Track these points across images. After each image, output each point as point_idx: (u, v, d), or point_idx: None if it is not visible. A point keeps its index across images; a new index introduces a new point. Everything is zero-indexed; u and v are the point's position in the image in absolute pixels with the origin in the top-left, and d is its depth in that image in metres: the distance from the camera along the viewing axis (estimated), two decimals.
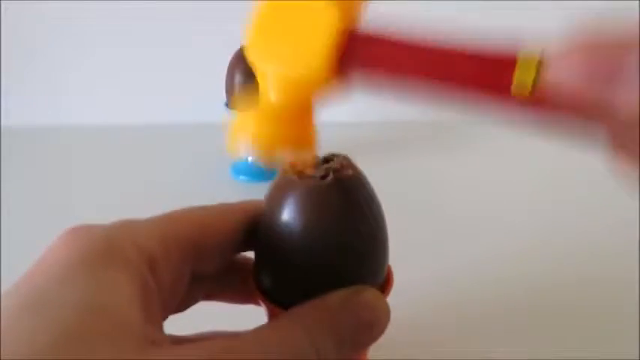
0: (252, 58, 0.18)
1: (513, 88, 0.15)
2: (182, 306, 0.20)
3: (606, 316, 0.30)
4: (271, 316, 0.20)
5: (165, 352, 0.14)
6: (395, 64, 0.16)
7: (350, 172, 0.18)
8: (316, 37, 0.17)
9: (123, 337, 0.14)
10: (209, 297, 0.21)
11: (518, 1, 0.60)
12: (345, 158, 0.19)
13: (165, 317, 0.18)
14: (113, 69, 0.64)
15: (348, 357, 0.17)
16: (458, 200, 0.45)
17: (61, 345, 0.13)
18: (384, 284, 0.20)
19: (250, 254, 0.21)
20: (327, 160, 0.19)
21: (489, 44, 0.15)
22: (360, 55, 0.17)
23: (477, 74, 0.15)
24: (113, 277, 0.15)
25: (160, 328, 0.16)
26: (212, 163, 0.52)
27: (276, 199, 0.19)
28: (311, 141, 0.20)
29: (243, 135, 0.19)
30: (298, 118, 0.19)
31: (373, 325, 0.17)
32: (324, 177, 0.18)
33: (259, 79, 0.18)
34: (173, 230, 0.18)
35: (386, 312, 0.18)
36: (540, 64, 0.14)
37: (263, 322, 0.18)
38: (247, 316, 0.20)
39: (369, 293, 0.18)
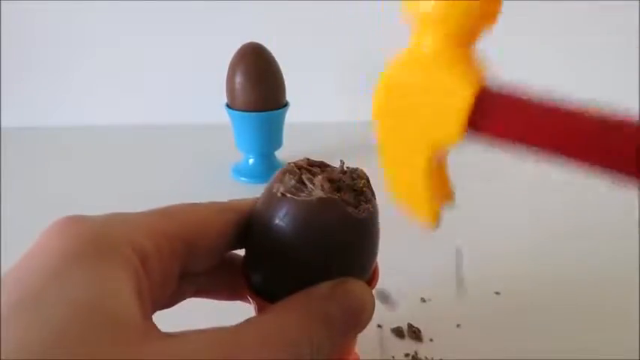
0: (380, 129, 0.19)
1: None
2: (170, 302, 0.20)
3: (606, 316, 0.30)
4: (260, 311, 0.20)
5: (165, 347, 0.14)
6: (525, 132, 0.16)
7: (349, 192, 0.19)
8: (451, 105, 0.17)
9: (123, 334, 0.13)
10: (197, 294, 0.21)
11: None
12: (352, 171, 0.20)
13: (152, 314, 0.17)
14: (113, 69, 0.64)
15: (338, 344, 0.17)
16: (457, 200, 0.45)
17: (57, 346, 0.12)
18: (370, 279, 0.21)
19: (239, 251, 0.21)
20: (322, 167, 0.19)
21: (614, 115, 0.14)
22: (492, 117, 0.17)
23: (612, 151, 0.15)
24: (109, 271, 0.15)
25: (154, 324, 0.16)
26: (212, 164, 0.52)
27: (271, 200, 0.19)
28: (451, 193, 0.21)
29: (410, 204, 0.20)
30: (437, 175, 0.20)
31: (360, 311, 0.18)
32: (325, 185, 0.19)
33: (387, 147, 0.19)
34: (165, 227, 0.18)
35: (371, 300, 0.19)
36: None
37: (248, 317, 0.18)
38: (230, 314, 0.21)
39: (355, 283, 0.19)
